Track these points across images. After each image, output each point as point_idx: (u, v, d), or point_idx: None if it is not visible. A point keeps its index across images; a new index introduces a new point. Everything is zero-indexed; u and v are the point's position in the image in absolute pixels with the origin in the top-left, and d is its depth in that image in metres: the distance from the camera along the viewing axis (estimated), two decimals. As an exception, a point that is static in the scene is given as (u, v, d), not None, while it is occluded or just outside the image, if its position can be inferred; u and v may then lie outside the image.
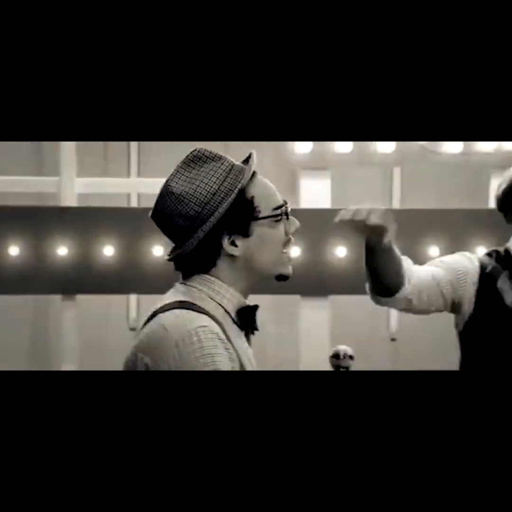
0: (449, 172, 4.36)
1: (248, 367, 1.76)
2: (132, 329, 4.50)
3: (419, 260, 2.60)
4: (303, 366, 4.01)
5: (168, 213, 1.76)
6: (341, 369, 1.75)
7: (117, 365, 1.79)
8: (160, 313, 1.72)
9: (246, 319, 1.79)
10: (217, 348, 1.66)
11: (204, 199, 1.74)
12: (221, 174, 1.76)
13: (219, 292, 1.76)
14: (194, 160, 1.77)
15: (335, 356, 1.76)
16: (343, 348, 1.76)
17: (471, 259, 2.48)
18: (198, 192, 1.74)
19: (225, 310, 1.76)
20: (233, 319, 1.77)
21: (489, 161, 3.98)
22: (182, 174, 1.76)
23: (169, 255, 1.79)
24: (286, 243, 1.80)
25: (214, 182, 1.75)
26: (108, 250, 3.94)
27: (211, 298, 1.75)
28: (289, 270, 1.81)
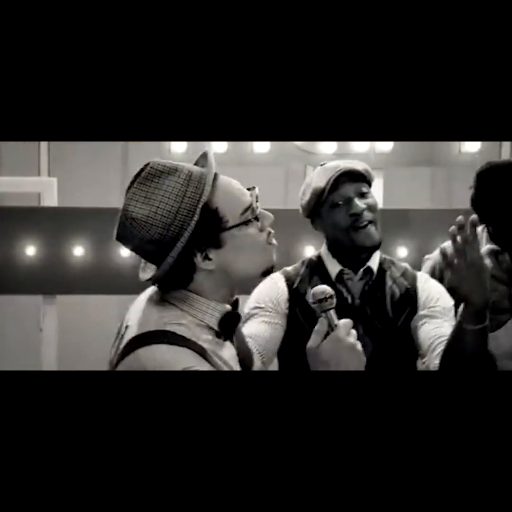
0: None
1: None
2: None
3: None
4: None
5: (131, 238, 1.65)
6: (329, 311, 1.63)
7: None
8: (138, 348, 1.60)
9: (228, 327, 1.72)
10: None
11: (166, 221, 1.63)
12: (180, 190, 1.65)
13: (201, 309, 1.68)
14: (149, 178, 1.66)
15: (319, 301, 1.66)
16: (321, 289, 1.66)
17: (277, 284, 2.43)
18: (158, 214, 1.63)
19: (208, 326, 1.68)
20: (216, 331, 1.70)
21: (363, 162, 4.05)
22: (139, 196, 1.65)
23: (148, 278, 1.69)
24: (267, 237, 1.73)
25: (174, 200, 1.64)
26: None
27: (192, 316, 1.67)
28: (272, 261, 1.74)
